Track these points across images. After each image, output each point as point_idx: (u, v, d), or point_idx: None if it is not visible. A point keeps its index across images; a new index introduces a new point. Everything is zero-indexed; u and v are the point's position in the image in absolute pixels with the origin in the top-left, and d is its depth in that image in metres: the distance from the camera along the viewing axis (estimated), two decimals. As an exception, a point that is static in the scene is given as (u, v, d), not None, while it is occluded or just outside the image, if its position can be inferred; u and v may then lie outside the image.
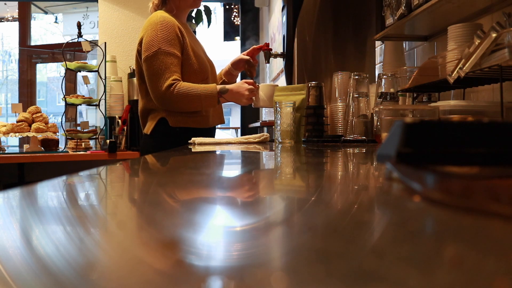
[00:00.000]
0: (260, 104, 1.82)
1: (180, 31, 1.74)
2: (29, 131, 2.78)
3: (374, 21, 1.83)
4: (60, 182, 0.40)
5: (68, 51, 3.30)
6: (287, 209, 0.30)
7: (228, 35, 5.81)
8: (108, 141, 2.86)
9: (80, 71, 3.16)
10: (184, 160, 0.91)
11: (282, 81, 3.43)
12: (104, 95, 3.05)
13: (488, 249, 0.17)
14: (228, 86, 1.73)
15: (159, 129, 1.77)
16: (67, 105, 2.99)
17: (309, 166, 0.74)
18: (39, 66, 6.81)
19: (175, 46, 1.70)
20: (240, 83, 1.75)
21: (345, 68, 1.91)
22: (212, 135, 1.93)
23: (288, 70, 2.53)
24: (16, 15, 6.53)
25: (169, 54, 1.67)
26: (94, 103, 3.10)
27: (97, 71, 3.09)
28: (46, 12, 7.53)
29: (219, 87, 1.72)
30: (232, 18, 5.76)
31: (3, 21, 7.36)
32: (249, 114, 5.02)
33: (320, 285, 0.13)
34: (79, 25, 3.03)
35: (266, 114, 4.26)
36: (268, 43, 2.21)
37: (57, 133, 2.95)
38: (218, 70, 2.04)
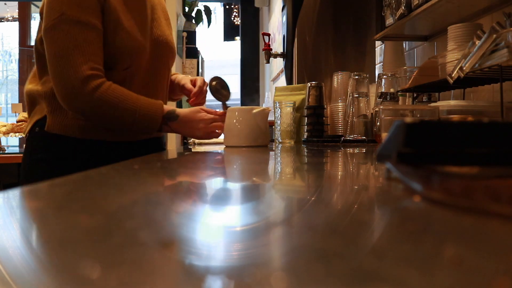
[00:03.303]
0: (231, 142, 1.21)
1: None
2: (29, 131, 2.78)
3: (374, 21, 1.83)
4: (59, 182, 0.40)
5: (68, 51, 3.29)
6: (287, 209, 0.30)
7: (228, 35, 5.81)
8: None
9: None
10: (181, 160, 0.91)
11: (282, 81, 3.43)
12: (104, 95, 3.05)
13: (488, 249, 0.17)
14: (180, 111, 1.14)
15: (38, 134, 1.12)
16: (67, 105, 2.99)
17: (309, 166, 0.74)
18: (39, 66, 6.78)
19: (92, 13, 1.05)
20: (194, 110, 1.15)
21: (345, 68, 1.91)
22: (144, 149, 1.20)
23: (288, 70, 2.53)
24: (16, 15, 6.54)
25: (81, 25, 1.03)
26: (94, 103, 3.10)
27: (97, 71, 3.08)
28: (46, 12, 7.51)
29: (167, 108, 1.12)
30: (232, 18, 5.76)
31: (3, 21, 7.36)
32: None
33: (320, 285, 0.13)
34: (79, 25, 3.01)
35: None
36: (269, 43, 2.19)
37: (57, 133, 2.95)
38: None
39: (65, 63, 1.02)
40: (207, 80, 1.30)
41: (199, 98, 1.27)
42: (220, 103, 1.30)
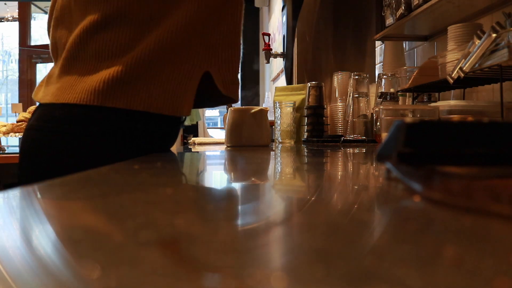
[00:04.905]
0: (232, 142, 1.23)
1: None
2: (29, 131, 2.78)
3: (374, 21, 1.83)
4: (59, 182, 0.40)
5: (68, 51, 3.29)
6: (287, 209, 0.30)
7: (228, 35, 5.80)
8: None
9: (80, 71, 3.16)
10: (181, 160, 0.91)
11: (282, 81, 3.43)
12: (104, 95, 3.04)
13: (488, 249, 0.17)
14: None
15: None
16: (67, 105, 2.99)
17: (309, 166, 0.74)
18: (39, 66, 6.81)
19: None
20: None
21: (345, 68, 1.91)
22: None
23: (288, 70, 2.53)
24: (16, 15, 6.54)
25: None
26: (94, 103, 3.09)
27: (97, 71, 3.08)
28: (46, 12, 7.52)
29: None
30: (232, 18, 5.75)
31: (3, 21, 7.36)
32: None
33: (320, 285, 0.13)
34: (79, 25, 3.01)
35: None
36: (269, 43, 2.19)
37: (57, 133, 2.95)
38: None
39: None
40: None
41: None
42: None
